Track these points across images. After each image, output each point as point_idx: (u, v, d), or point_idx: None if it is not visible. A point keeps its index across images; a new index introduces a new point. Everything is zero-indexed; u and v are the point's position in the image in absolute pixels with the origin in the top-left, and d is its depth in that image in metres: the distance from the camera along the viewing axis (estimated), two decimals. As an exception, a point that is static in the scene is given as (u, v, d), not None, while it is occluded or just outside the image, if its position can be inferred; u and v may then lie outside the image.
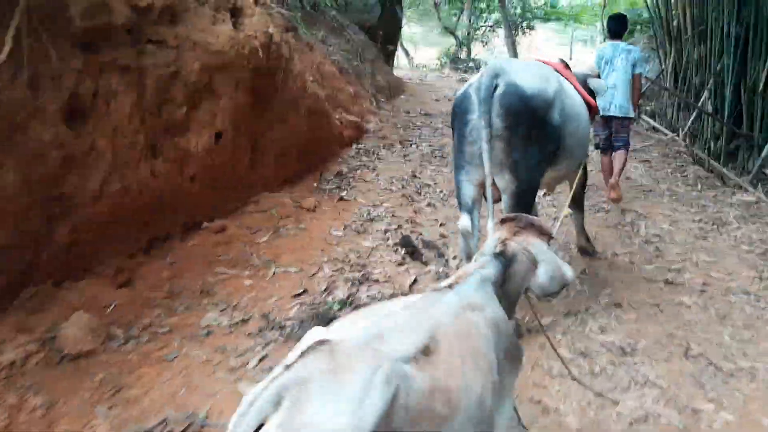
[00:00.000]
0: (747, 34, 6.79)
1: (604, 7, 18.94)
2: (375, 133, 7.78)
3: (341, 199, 5.42)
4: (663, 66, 8.88)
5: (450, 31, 20.46)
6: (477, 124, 2.76)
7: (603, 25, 19.83)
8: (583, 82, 3.64)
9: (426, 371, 1.20)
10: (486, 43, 20.91)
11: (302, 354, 1.15)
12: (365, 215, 5.02)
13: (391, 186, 5.94)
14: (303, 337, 1.35)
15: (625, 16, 5.91)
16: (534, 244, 1.76)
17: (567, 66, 3.52)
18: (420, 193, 5.86)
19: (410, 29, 27.74)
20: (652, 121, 9.18)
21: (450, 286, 1.58)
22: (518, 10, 21.13)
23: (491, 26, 21.16)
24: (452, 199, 5.24)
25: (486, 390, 1.35)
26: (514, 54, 18.41)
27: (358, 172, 6.27)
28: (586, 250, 4.25)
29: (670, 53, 8.34)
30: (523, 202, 2.87)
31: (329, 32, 8.72)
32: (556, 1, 22.21)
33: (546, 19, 21.69)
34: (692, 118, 7.87)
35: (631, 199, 5.89)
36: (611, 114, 5.23)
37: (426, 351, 1.25)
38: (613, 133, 5.38)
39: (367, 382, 1.08)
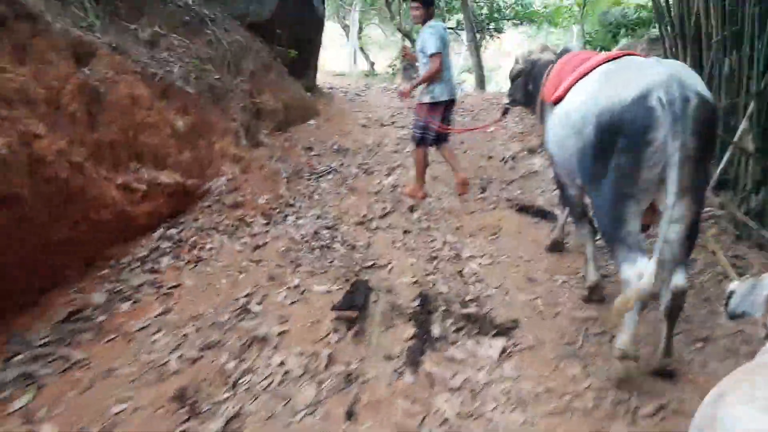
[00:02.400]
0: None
1: (584, 6, 16.09)
2: (222, 197, 4.58)
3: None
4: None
5: (404, 33, 17.38)
6: (665, 144, 2.26)
7: (582, 28, 17.10)
8: None
9: None
10: (446, 48, 17.81)
11: None
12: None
13: (175, 354, 2.77)
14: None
15: None
16: None
17: None
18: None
19: (373, 31, 24.78)
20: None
21: None
22: (484, 10, 18.13)
23: (452, 29, 18.11)
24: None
25: None
26: (478, 61, 15.39)
27: (125, 306, 3.08)
28: None
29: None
30: (697, 231, 2.55)
31: (173, 29, 5.47)
32: (526, 1, 19.24)
33: (517, 21, 18.75)
34: (725, 159, 4.77)
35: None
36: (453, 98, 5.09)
37: None
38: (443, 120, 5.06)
39: None
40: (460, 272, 3.77)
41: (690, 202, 2.38)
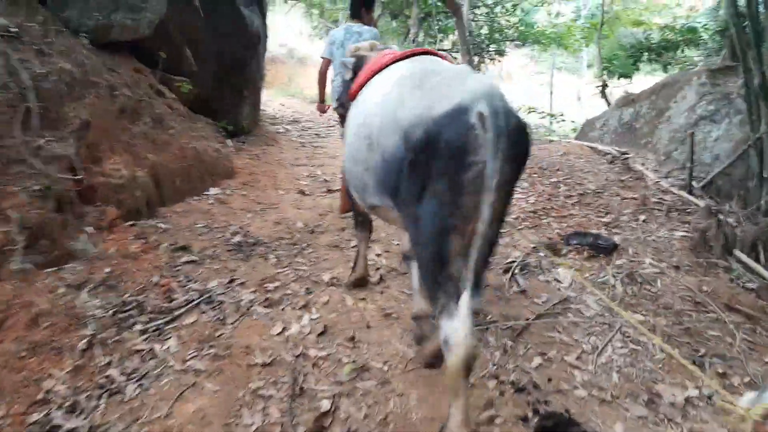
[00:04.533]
0: None
1: (601, 26, 13.52)
2: None
3: None
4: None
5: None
6: (486, 167, 1.89)
7: (598, 51, 14.53)
8: None
9: None
10: (438, 73, 15.18)
11: None
12: None
13: None
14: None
15: None
16: None
17: None
18: None
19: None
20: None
21: None
22: (484, 31, 15.59)
23: (447, 52, 15.53)
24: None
25: None
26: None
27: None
28: None
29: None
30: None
31: None
32: (531, 20, 16.66)
33: (520, 42, 16.19)
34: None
35: None
36: None
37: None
38: None
39: None
40: None
41: (495, 230, 2.11)
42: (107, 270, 3.44)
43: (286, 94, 15.19)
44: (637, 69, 13.75)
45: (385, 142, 2.22)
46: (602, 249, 4.36)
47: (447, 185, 2.00)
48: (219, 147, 5.50)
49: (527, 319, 3.45)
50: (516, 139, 1.94)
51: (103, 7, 4.43)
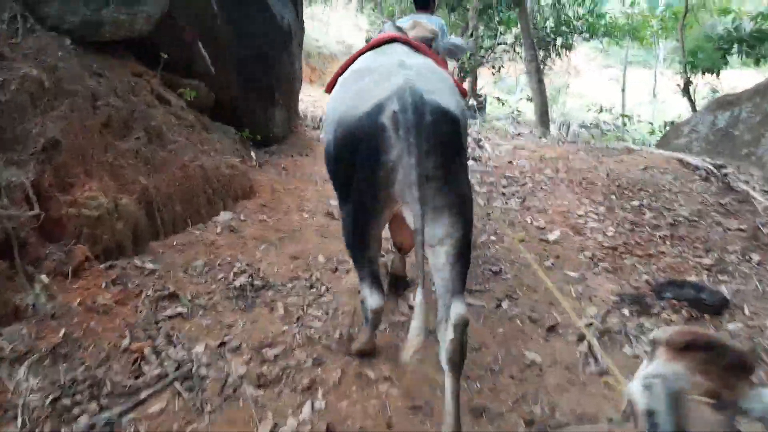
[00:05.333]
0: None
1: (685, 15, 12.02)
2: None
3: None
4: None
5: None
6: (401, 162, 2.02)
7: (681, 41, 12.97)
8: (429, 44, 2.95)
9: None
10: (498, 69, 14.05)
11: None
12: None
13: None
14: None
15: None
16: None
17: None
18: None
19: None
20: None
21: None
22: (549, 23, 14.32)
23: (508, 45, 14.39)
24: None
25: None
26: (540, 87, 11.62)
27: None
28: None
29: None
30: (467, 255, 2.22)
31: None
32: (600, 9, 15.10)
33: (588, 35, 14.78)
34: None
35: None
36: None
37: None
38: None
39: None
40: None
41: (448, 224, 2.14)
42: (62, 332, 2.70)
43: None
44: (726, 63, 12.16)
45: (326, 137, 2.40)
46: (707, 307, 3.30)
47: (365, 181, 2.11)
48: (236, 162, 4.73)
49: (610, 420, 2.48)
50: (433, 132, 2.00)
51: (91, 0, 3.70)
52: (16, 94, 3.03)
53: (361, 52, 2.62)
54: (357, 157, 2.11)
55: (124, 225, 3.42)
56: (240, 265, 3.74)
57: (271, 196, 4.93)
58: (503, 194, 5.36)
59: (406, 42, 2.63)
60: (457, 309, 2.12)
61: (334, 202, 5.14)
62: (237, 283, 3.53)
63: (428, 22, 3.45)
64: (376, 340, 2.85)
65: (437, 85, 2.18)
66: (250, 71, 5.68)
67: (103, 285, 3.09)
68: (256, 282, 3.56)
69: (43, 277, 2.85)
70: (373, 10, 18.04)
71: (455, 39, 3.34)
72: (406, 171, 1.97)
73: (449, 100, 2.13)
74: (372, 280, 2.35)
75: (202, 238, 3.94)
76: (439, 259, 2.16)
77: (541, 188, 5.47)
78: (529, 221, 4.66)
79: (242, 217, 4.41)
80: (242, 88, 5.65)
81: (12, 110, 2.99)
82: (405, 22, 4.15)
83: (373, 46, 2.62)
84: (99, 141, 3.46)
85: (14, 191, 2.84)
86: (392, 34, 2.71)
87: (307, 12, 10.68)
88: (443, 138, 2.05)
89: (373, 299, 2.35)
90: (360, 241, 2.29)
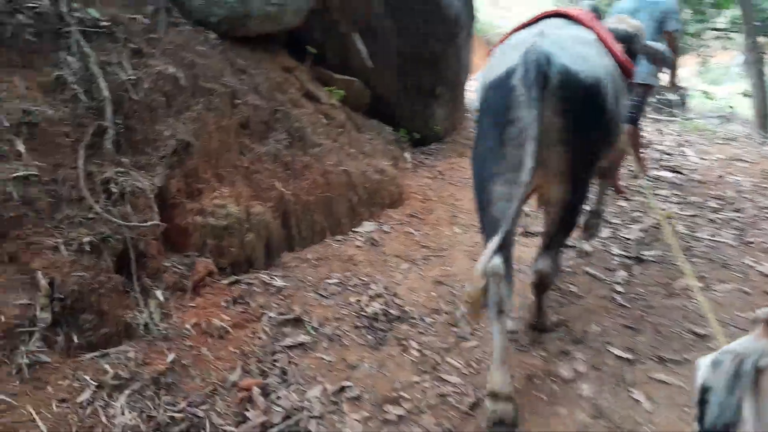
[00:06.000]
0: None
1: None
2: None
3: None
4: None
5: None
6: (525, 121, 2.07)
7: None
8: (626, 40, 2.89)
9: None
10: (704, 61, 11.96)
11: None
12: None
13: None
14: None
15: None
16: None
17: (599, 17, 2.79)
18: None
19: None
20: None
21: None
22: (775, 2, 11.86)
23: (719, 30, 12.21)
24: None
25: None
26: (761, 81, 9.62)
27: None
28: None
29: None
30: (571, 222, 2.45)
31: None
32: None
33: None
34: None
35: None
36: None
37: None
38: None
39: None
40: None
41: (563, 191, 2.27)
42: (170, 358, 2.41)
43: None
44: None
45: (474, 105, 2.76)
46: None
47: (495, 136, 2.21)
48: (386, 166, 4.26)
49: None
50: (561, 95, 2.06)
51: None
52: (150, 92, 2.84)
53: (517, 29, 2.58)
54: (492, 119, 2.24)
55: (255, 236, 3.11)
56: (376, 287, 3.25)
57: (422, 204, 4.39)
58: (712, 221, 4.21)
59: (566, 15, 2.57)
60: (539, 264, 2.48)
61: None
62: (369, 310, 3.04)
63: (633, 20, 3.25)
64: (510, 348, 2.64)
65: (576, 50, 2.19)
66: (411, 65, 5.20)
67: (224, 303, 2.79)
68: (391, 311, 3.04)
69: (159, 293, 2.60)
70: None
71: (656, 45, 3.25)
72: (525, 127, 2.02)
73: (585, 65, 2.13)
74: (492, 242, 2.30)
75: (339, 251, 3.53)
76: (547, 216, 2.43)
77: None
78: (750, 264, 3.53)
79: (386, 229, 3.93)
80: (402, 83, 5.19)
81: (144, 110, 2.80)
82: (630, 2, 4.38)
83: (531, 22, 2.59)
84: (234, 143, 3.19)
85: (138, 197, 2.63)
86: (557, 9, 2.67)
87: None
88: (571, 101, 2.09)
89: (489, 259, 2.16)
90: (488, 197, 2.27)
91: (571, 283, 3.35)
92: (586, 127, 2.17)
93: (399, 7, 4.85)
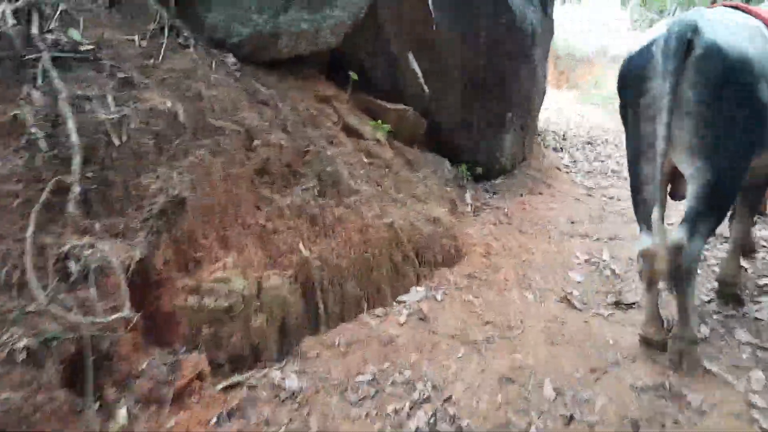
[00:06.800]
0: None
1: None
2: None
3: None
4: None
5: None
6: (659, 93, 2.11)
7: None
8: None
9: None
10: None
11: None
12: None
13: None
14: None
15: None
16: None
17: None
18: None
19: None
20: None
21: None
22: None
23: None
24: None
25: None
26: None
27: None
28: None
29: None
30: (718, 200, 2.28)
31: None
32: None
33: None
34: None
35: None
36: None
37: None
38: None
39: None
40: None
41: (699, 168, 2.19)
42: None
43: (588, 101, 12.34)
44: None
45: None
46: None
47: (632, 113, 2.28)
48: (441, 213, 3.49)
49: None
50: (702, 67, 2.04)
51: (266, 5, 2.79)
52: (137, 135, 2.20)
53: None
54: (630, 94, 2.29)
55: (268, 317, 2.41)
56: (423, 387, 2.48)
57: (484, 260, 3.59)
58: None
59: (737, 7, 2.44)
60: (675, 234, 2.26)
61: (577, 274, 3.59)
62: (412, 425, 2.27)
63: None
64: (665, 326, 2.60)
65: (733, 30, 2.12)
66: (475, 88, 4.41)
67: (215, 420, 2.10)
68: (441, 428, 2.26)
69: (124, 411, 1.93)
70: (641, 5, 15.37)
71: None
72: (660, 96, 2.05)
73: (735, 43, 2.06)
74: (645, 222, 2.31)
75: (377, 331, 2.78)
76: (687, 191, 2.29)
77: None
78: None
79: (438, 296, 3.15)
80: (465, 109, 4.41)
81: (127, 158, 2.17)
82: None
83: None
84: (248, 195, 2.51)
85: (106, 277, 1.98)
86: (733, 2, 2.54)
87: (558, 10, 9.03)
88: (713, 75, 2.05)
89: (642, 240, 2.26)
90: (635, 180, 2.32)
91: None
92: (728, 107, 2.08)
93: (464, 21, 4.08)
